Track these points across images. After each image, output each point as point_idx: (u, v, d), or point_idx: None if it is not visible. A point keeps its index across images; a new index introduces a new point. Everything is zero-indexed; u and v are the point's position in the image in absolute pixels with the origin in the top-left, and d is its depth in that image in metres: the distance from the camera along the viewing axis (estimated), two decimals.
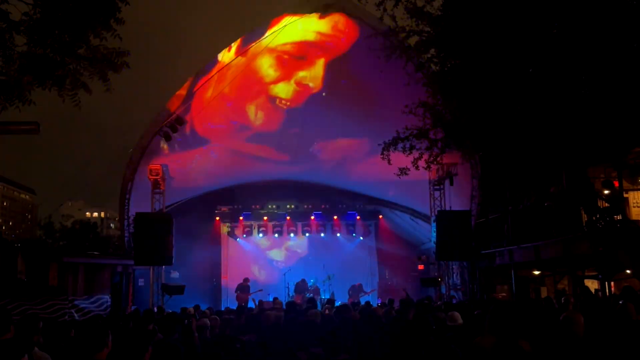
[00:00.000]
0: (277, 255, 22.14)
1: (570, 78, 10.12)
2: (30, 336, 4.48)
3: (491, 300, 14.62)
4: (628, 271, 11.44)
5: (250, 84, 17.86)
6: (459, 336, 5.34)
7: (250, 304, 17.20)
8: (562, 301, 9.51)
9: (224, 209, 21.73)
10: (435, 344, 4.74)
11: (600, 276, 11.68)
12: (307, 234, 21.77)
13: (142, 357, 3.55)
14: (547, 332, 4.88)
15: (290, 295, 18.90)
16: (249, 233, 21.61)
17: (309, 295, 18.55)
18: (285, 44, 16.78)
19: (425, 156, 13.30)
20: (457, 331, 6.04)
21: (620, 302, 5.77)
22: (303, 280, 19.48)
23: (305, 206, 21.67)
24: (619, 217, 11.83)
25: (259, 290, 19.02)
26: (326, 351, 4.71)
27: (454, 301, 15.64)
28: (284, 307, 10.79)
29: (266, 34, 16.04)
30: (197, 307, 11.95)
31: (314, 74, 17.69)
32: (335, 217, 21.70)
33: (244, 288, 18.95)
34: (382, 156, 13.83)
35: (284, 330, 7.01)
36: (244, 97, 18.36)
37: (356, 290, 19.70)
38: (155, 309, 13.26)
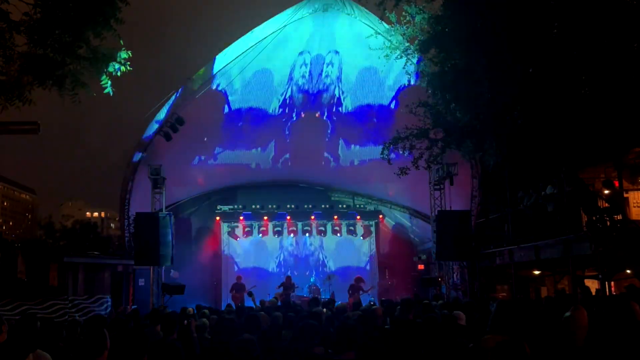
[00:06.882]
0: (277, 255, 22.10)
1: (570, 78, 10.12)
2: (29, 336, 4.45)
3: (491, 300, 14.58)
4: (628, 271, 11.44)
5: None
6: (466, 337, 5.31)
7: (249, 302, 16.89)
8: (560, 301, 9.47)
9: (224, 209, 21.70)
10: (443, 343, 4.70)
11: (600, 276, 11.67)
12: (307, 234, 21.75)
13: (141, 358, 3.54)
14: (548, 332, 4.86)
15: (277, 287, 18.61)
16: (249, 233, 21.57)
17: (308, 295, 18.50)
18: None
19: (425, 156, 13.34)
20: (463, 331, 6.00)
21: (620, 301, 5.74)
22: (288, 277, 19.18)
23: (305, 206, 21.64)
24: (619, 217, 11.82)
25: (253, 287, 18.70)
26: (330, 350, 4.67)
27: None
28: (281, 306, 10.75)
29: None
30: (199, 307, 11.82)
31: None
32: (335, 217, 21.67)
33: (239, 287, 18.85)
34: (382, 156, 13.86)
35: (285, 330, 6.99)
36: None
37: (355, 288, 19.53)
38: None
